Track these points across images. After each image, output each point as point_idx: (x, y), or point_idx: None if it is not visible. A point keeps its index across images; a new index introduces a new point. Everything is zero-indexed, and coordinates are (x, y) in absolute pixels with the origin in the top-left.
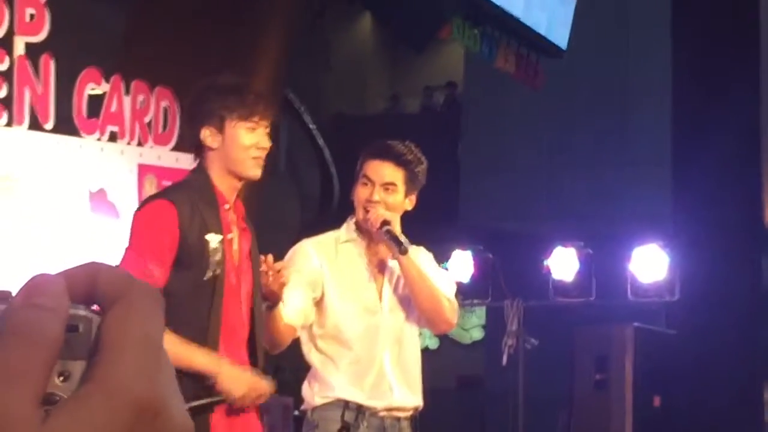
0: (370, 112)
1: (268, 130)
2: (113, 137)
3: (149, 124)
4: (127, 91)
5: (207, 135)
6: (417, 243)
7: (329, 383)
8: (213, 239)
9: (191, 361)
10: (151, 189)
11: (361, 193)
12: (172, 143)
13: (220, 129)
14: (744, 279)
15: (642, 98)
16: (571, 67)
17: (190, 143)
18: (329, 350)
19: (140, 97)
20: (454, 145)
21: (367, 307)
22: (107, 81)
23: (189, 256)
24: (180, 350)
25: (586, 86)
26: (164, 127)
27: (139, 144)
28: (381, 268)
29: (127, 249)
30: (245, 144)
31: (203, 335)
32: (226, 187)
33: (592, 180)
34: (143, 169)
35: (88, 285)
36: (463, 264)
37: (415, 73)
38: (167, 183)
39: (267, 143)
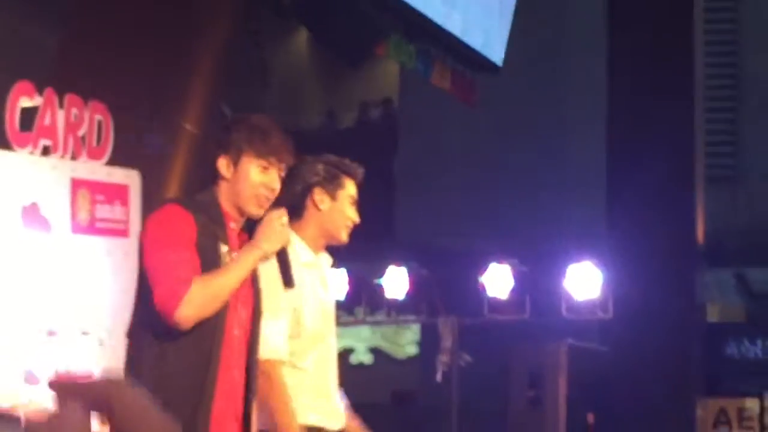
0: (306, 127)
1: (282, 173)
2: (46, 151)
3: (83, 137)
4: (61, 105)
5: (223, 164)
6: (352, 258)
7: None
8: (224, 250)
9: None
10: (84, 203)
11: (349, 211)
12: (106, 157)
13: (236, 162)
14: (677, 296)
15: (579, 117)
16: (508, 85)
17: (207, 166)
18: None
19: (74, 111)
20: (390, 160)
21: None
22: (40, 94)
23: (203, 264)
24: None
25: (524, 105)
26: (98, 141)
27: (73, 158)
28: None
29: (152, 250)
30: (254, 181)
31: (207, 351)
32: (231, 214)
33: (528, 198)
34: (76, 183)
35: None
36: (398, 280)
37: (351, 88)
38: (100, 197)
39: (277, 185)
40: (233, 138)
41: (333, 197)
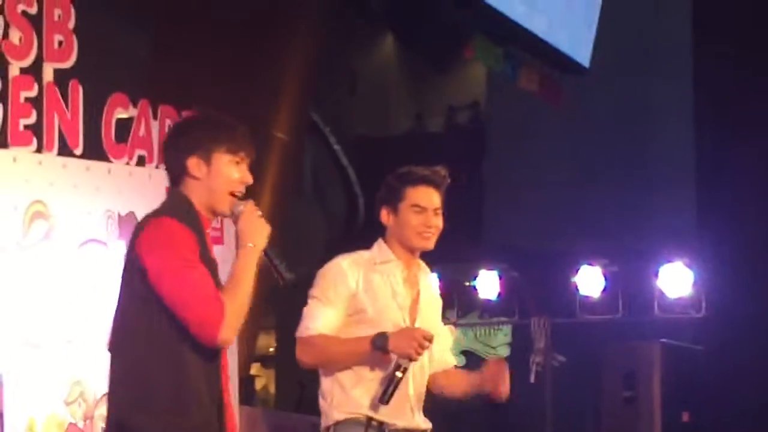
0: (394, 132)
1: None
2: (142, 161)
3: None
4: (155, 116)
5: (194, 164)
6: (443, 263)
7: (353, 399)
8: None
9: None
10: None
11: (414, 220)
12: None
13: (207, 160)
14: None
15: (666, 116)
16: (595, 85)
17: (171, 170)
18: (356, 367)
19: (168, 122)
20: (479, 163)
21: (398, 327)
22: (135, 106)
23: None
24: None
25: (610, 104)
26: None
27: None
28: (415, 292)
29: (168, 272)
30: (232, 177)
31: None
32: (206, 217)
33: (617, 198)
34: None
35: None
36: (489, 283)
37: (438, 92)
38: None
39: (250, 179)
40: (199, 136)
41: (395, 212)
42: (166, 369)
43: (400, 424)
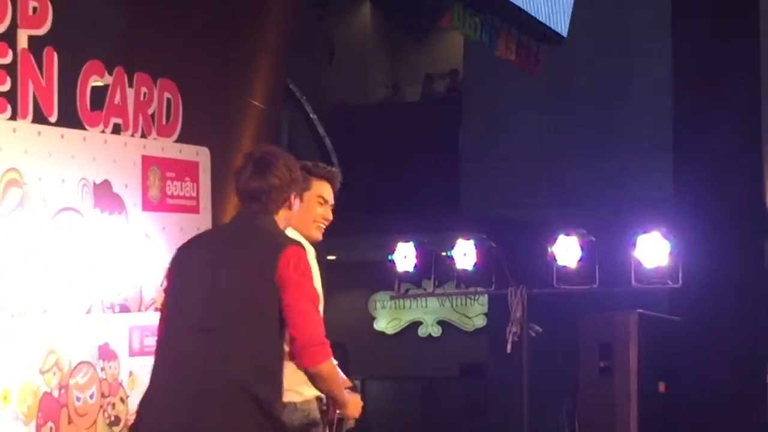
0: (371, 102)
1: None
2: (117, 129)
3: (152, 115)
4: (131, 84)
5: (293, 198)
6: (420, 232)
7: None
8: None
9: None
10: (154, 180)
11: (317, 210)
12: (176, 135)
13: (302, 197)
14: (746, 263)
15: (642, 84)
16: (571, 54)
17: (275, 200)
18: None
19: (143, 89)
20: (455, 132)
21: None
22: (110, 73)
23: None
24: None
25: (587, 73)
26: (167, 118)
27: (143, 136)
28: None
29: (305, 297)
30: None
31: None
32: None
33: (594, 167)
34: (147, 161)
35: None
36: (466, 253)
37: (415, 62)
38: (171, 174)
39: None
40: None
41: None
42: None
43: None
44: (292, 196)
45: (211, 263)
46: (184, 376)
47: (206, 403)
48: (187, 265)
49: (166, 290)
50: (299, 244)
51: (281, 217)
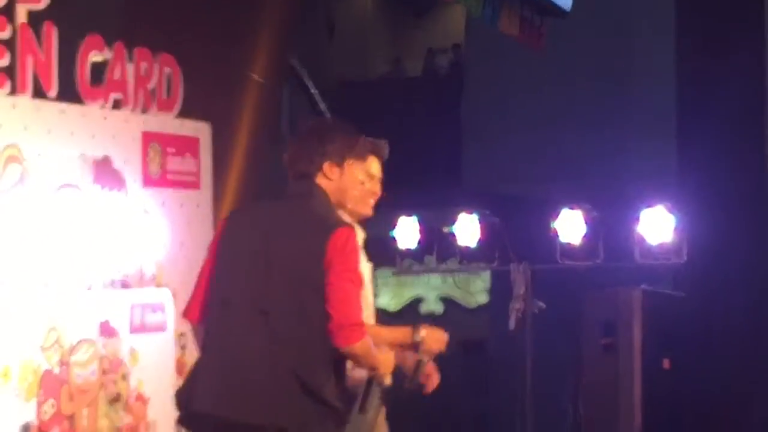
0: (372, 77)
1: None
2: (117, 104)
3: (153, 91)
4: (131, 58)
5: (327, 167)
6: (422, 208)
7: None
8: None
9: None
10: (155, 156)
11: (366, 185)
12: (177, 110)
13: (341, 168)
14: (750, 239)
15: (646, 57)
16: (574, 27)
17: (307, 172)
18: None
19: (143, 64)
20: (457, 107)
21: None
22: (110, 48)
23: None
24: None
25: (590, 46)
26: (168, 93)
27: (143, 111)
28: None
29: (347, 277)
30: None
31: None
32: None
33: (598, 141)
34: (147, 136)
35: None
36: (469, 228)
37: (417, 36)
38: (171, 150)
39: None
40: (335, 146)
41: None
42: (323, 342)
43: None
44: (326, 165)
45: (265, 239)
46: (240, 359)
47: (257, 387)
48: (241, 236)
49: (212, 250)
50: (349, 225)
51: (327, 189)
